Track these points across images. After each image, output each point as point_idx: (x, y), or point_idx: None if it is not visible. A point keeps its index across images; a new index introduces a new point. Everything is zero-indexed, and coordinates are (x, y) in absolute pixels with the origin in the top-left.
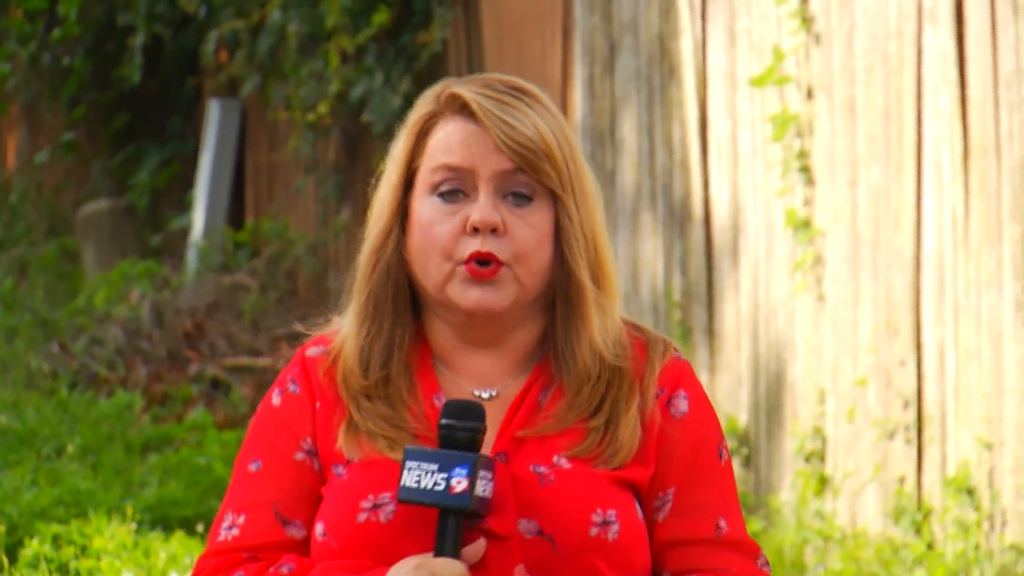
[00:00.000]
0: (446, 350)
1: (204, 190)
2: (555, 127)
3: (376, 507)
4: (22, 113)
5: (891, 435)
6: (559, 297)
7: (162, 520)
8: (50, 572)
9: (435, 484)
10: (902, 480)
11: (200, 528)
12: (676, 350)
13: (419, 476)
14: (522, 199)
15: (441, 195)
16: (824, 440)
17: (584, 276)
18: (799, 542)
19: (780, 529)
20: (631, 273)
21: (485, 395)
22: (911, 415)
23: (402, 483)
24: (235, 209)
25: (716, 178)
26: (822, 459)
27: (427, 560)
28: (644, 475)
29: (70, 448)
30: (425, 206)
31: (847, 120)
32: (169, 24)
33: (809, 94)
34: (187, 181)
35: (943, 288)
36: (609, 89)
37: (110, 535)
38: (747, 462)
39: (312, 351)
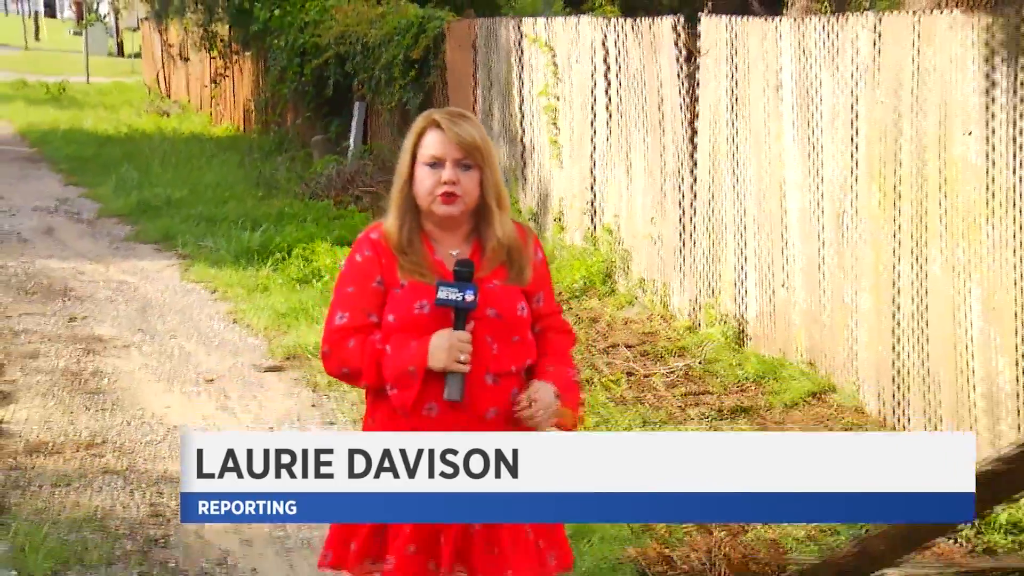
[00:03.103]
0: (433, 233)
1: (353, 133)
2: (479, 134)
3: (422, 307)
4: (291, 107)
5: (583, 214)
6: (482, 212)
7: (339, 240)
8: (301, 260)
9: (456, 297)
10: (588, 229)
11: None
12: (533, 232)
13: (447, 294)
14: (466, 167)
15: (429, 166)
16: (563, 218)
17: (492, 204)
18: (553, 250)
19: (550, 247)
20: None
21: (455, 252)
22: (576, 211)
23: (438, 296)
24: (364, 139)
25: (526, 128)
26: (562, 224)
27: (450, 331)
28: (532, 289)
29: (308, 218)
30: (422, 171)
31: (568, 110)
32: (341, 76)
33: (556, 98)
34: (347, 130)
35: (605, 168)
36: (489, 98)
37: (323, 247)
38: (537, 226)
39: (373, 234)
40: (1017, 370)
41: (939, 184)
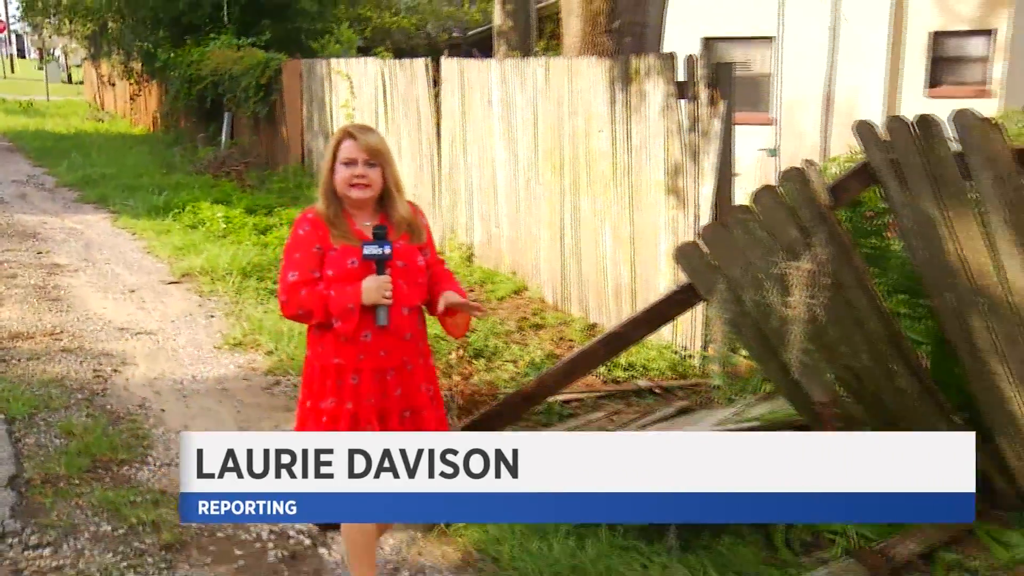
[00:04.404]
0: (351, 211)
1: (224, 132)
2: (380, 142)
3: (352, 263)
4: (183, 115)
5: None
6: (385, 195)
7: (216, 200)
8: (191, 213)
9: (377, 251)
10: None
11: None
12: (419, 206)
13: (371, 249)
14: (371, 165)
15: (345, 164)
16: None
17: (392, 190)
18: None
19: None
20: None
21: (368, 223)
22: None
23: (364, 252)
24: (231, 135)
25: (333, 127)
26: None
27: (374, 276)
28: (423, 246)
29: (195, 187)
30: (341, 168)
31: (360, 116)
32: (215, 95)
33: (353, 109)
34: (220, 130)
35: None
36: (311, 109)
37: (205, 205)
38: None
39: (309, 215)
40: (631, 275)
41: (585, 162)
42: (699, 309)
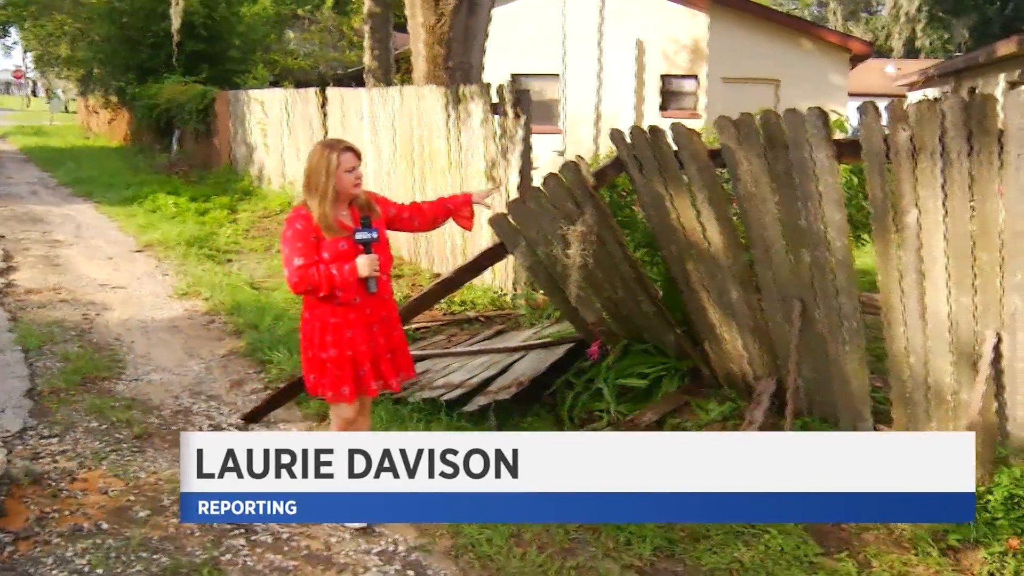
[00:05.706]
0: (337, 204)
1: (174, 144)
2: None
3: (342, 245)
4: (146, 132)
5: (279, 176)
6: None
7: (169, 192)
8: (151, 201)
9: (368, 236)
10: (281, 182)
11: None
12: (376, 193)
13: (362, 235)
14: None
15: (348, 171)
16: (270, 180)
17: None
18: (266, 193)
19: (265, 194)
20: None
21: (344, 214)
22: (276, 175)
23: (357, 237)
24: (180, 146)
25: (251, 138)
26: (270, 181)
27: (365, 255)
28: (384, 214)
29: (154, 183)
30: (343, 176)
31: (271, 129)
32: (168, 117)
33: (266, 125)
34: (171, 142)
35: (287, 155)
36: (235, 124)
37: (161, 195)
38: (258, 184)
39: (302, 211)
40: (463, 238)
41: (429, 159)
42: (509, 260)
